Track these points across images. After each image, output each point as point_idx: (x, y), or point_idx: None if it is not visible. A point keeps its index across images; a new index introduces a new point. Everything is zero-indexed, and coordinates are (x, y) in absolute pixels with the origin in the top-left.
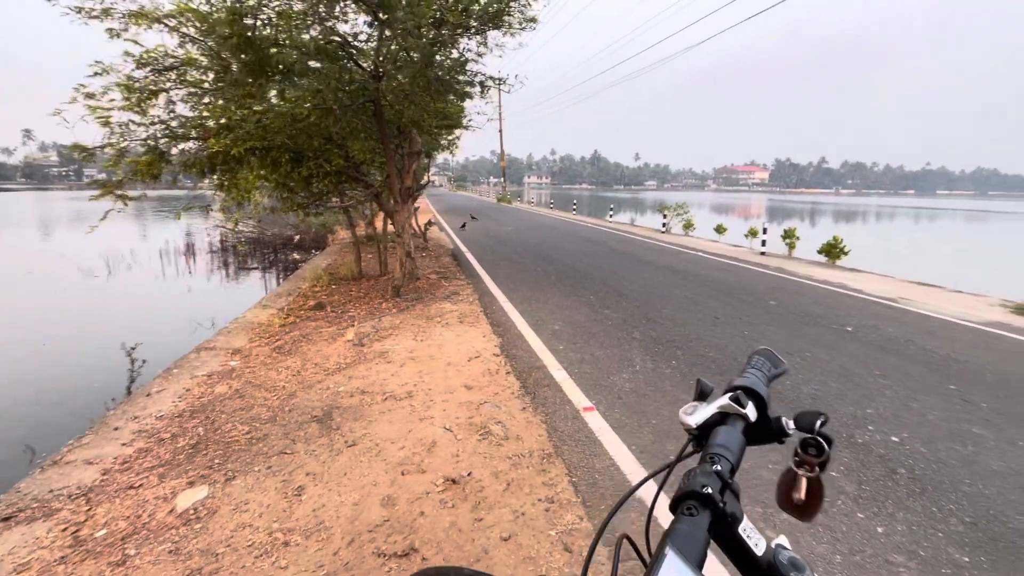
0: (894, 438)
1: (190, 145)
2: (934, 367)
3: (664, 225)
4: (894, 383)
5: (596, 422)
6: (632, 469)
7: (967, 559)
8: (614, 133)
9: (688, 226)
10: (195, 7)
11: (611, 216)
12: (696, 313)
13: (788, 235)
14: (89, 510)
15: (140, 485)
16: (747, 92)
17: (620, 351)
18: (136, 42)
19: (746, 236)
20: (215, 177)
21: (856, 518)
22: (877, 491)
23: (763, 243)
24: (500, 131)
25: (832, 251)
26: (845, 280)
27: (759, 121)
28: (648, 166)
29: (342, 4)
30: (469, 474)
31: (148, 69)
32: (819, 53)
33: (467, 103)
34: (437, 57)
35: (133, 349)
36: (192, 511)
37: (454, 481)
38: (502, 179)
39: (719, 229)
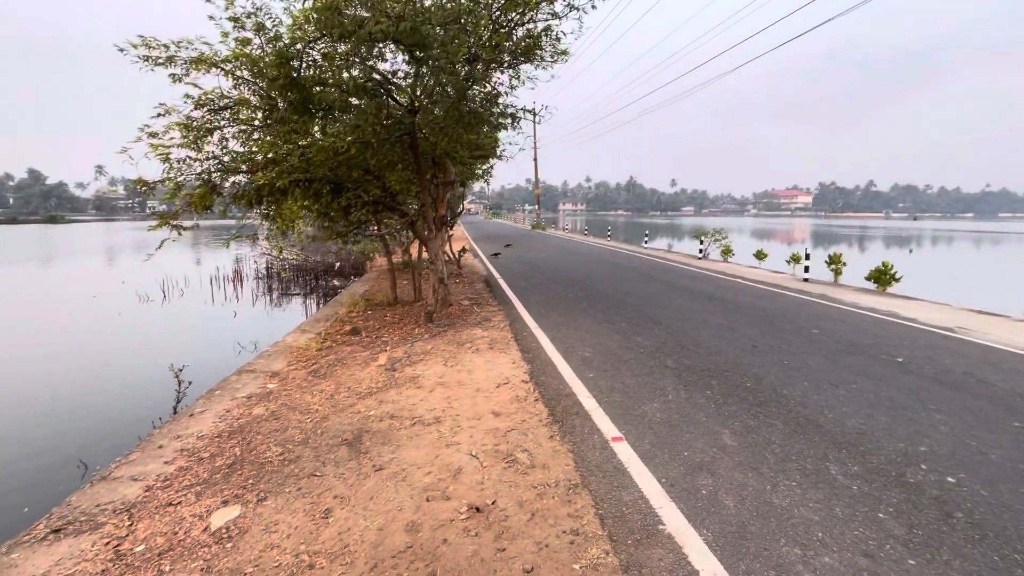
0: (950, 478)
1: (240, 178)
2: (996, 402)
3: (701, 251)
4: (950, 418)
5: (625, 453)
6: (661, 503)
7: None
8: (649, 159)
9: (726, 252)
10: (248, 52)
11: (646, 242)
12: (733, 341)
13: (833, 261)
14: (131, 525)
15: (179, 502)
16: (787, 115)
17: (652, 379)
18: (196, 85)
19: (788, 262)
20: (262, 207)
21: (907, 564)
22: (930, 536)
23: (806, 269)
24: (535, 159)
25: (882, 277)
26: (896, 308)
27: (801, 145)
28: (685, 192)
29: (380, 46)
30: (493, 502)
31: (205, 109)
32: (863, 75)
33: (501, 133)
34: (471, 92)
35: (181, 370)
36: (224, 530)
37: (478, 509)
38: (536, 206)
39: (759, 255)
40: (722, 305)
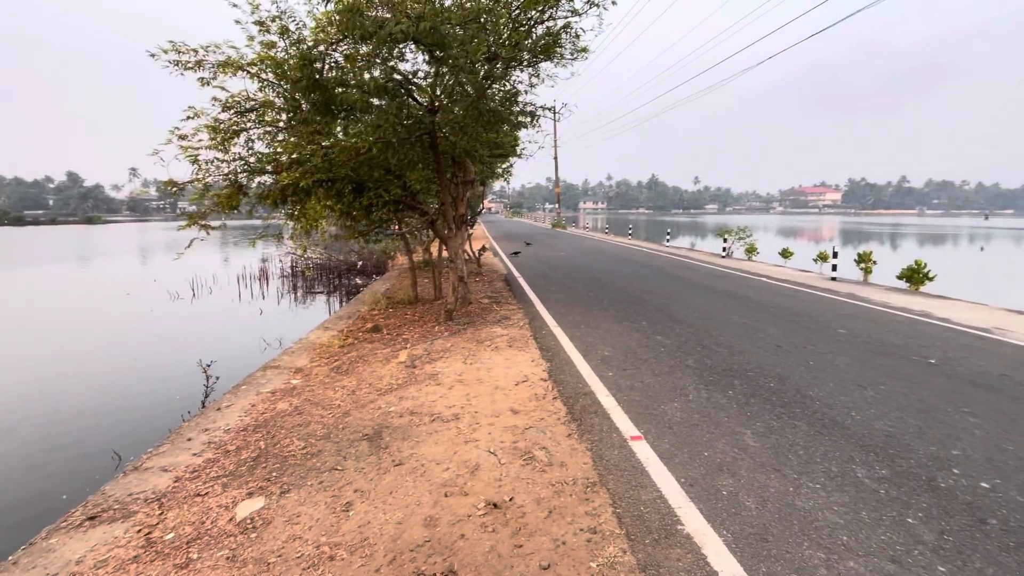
0: (984, 484)
1: (265, 179)
2: None
3: (724, 249)
4: (985, 421)
5: (644, 452)
6: (680, 503)
7: None
8: (672, 157)
9: (751, 250)
10: (272, 55)
11: (668, 240)
12: (756, 341)
13: (863, 259)
14: (161, 514)
15: (206, 493)
16: (815, 111)
17: (672, 379)
18: (223, 88)
19: (815, 260)
20: (286, 207)
21: (936, 572)
22: (962, 543)
23: (833, 268)
24: (555, 158)
25: (914, 276)
26: (929, 308)
27: (829, 141)
28: (708, 189)
29: (401, 46)
30: (511, 499)
31: (232, 111)
32: (892, 69)
33: (521, 132)
34: (490, 90)
35: (209, 366)
36: (249, 520)
37: (495, 505)
38: (557, 205)
39: (785, 253)
40: (745, 304)
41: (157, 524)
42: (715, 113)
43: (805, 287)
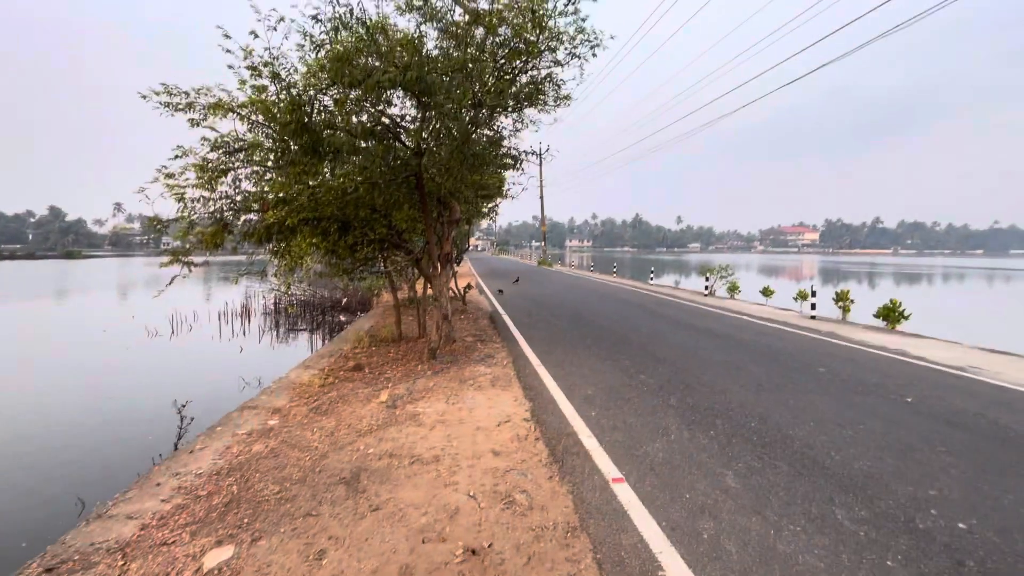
0: (961, 524)
1: (251, 216)
2: (1010, 444)
3: (707, 288)
4: (961, 461)
5: (625, 494)
6: (661, 547)
7: None
8: (656, 196)
9: (733, 288)
10: (263, 99)
11: (652, 279)
12: (738, 380)
13: (841, 298)
14: (124, 565)
15: (173, 542)
16: (793, 153)
17: (655, 419)
18: (213, 128)
19: (795, 299)
20: (271, 244)
21: None
22: None
23: (812, 307)
24: (541, 197)
25: (890, 315)
26: (905, 346)
27: (806, 182)
28: (691, 228)
29: (389, 93)
30: (490, 545)
31: (220, 151)
32: (867, 114)
33: (507, 173)
34: (475, 135)
35: (184, 406)
36: (217, 571)
37: (474, 552)
38: (543, 243)
39: (766, 292)
40: (727, 343)
41: None
42: (698, 155)
43: (786, 325)
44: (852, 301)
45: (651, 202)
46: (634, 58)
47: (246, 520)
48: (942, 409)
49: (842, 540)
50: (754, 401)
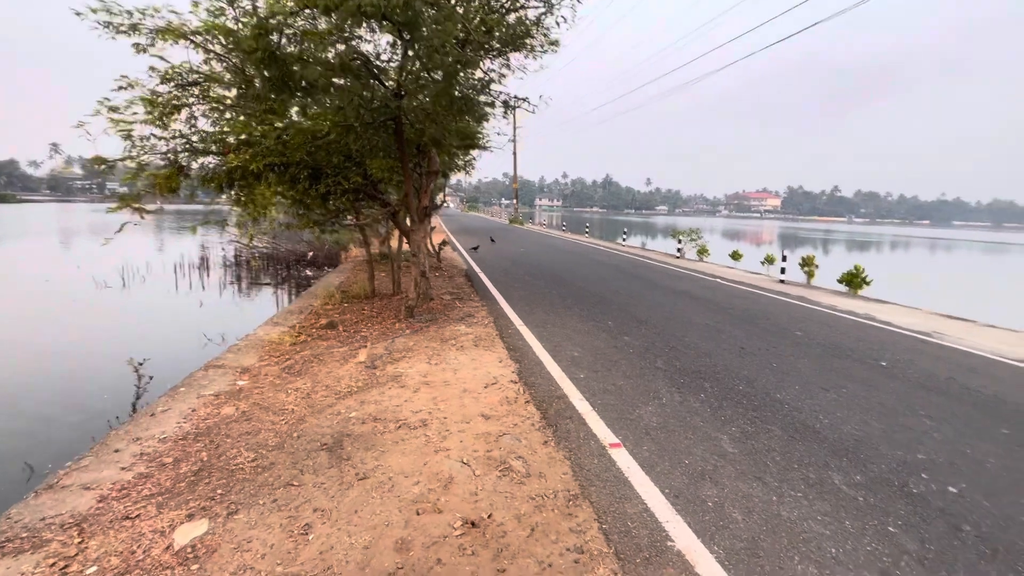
0: (952, 488)
1: (209, 160)
2: (982, 408)
3: (679, 250)
4: (941, 425)
5: (624, 460)
6: (667, 516)
7: None
8: (626, 157)
9: (703, 252)
10: (221, 24)
11: (624, 240)
12: (720, 343)
13: (806, 263)
14: (81, 543)
15: (137, 515)
16: (759, 120)
17: (644, 382)
18: (162, 58)
19: (763, 263)
20: (232, 192)
21: None
22: (943, 551)
23: (782, 271)
24: (514, 153)
25: (854, 281)
26: (871, 311)
27: (771, 149)
28: (659, 191)
29: (367, 24)
30: (490, 516)
31: (172, 84)
32: (832, 82)
33: (487, 123)
34: (460, 76)
35: (141, 364)
36: (190, 548)
37: (473, 524)
38: (514, 201)
39: (735, 255)
40: (705, 305)
41: (76, 555)
42: (669, 117)
43: (758, 289)
44: (816, 266)
45: (621, 163)
46: (618, 8)
47: (219, 491)
48: (915, 373)
49: (842, 506)
50: (739, 364)
